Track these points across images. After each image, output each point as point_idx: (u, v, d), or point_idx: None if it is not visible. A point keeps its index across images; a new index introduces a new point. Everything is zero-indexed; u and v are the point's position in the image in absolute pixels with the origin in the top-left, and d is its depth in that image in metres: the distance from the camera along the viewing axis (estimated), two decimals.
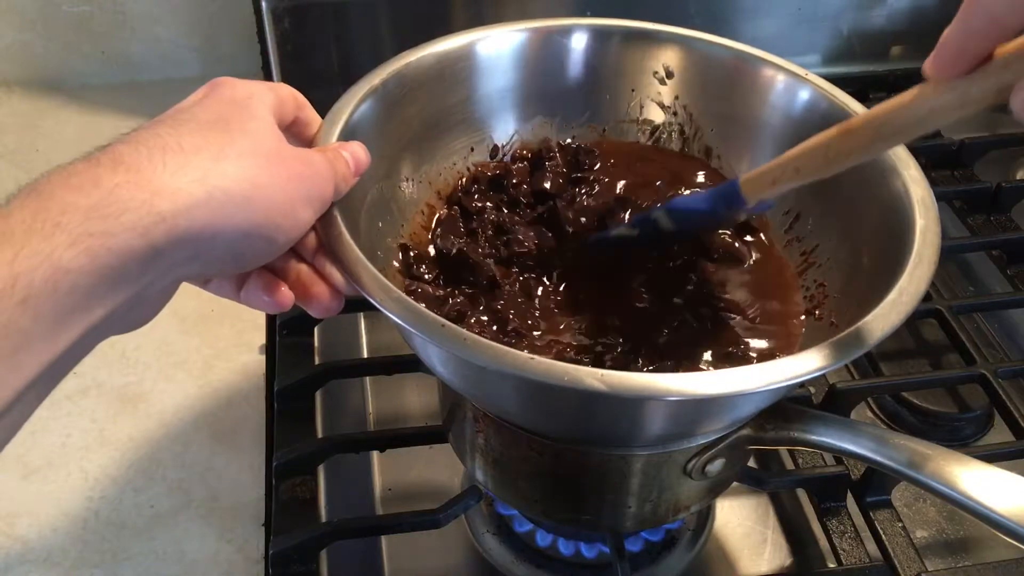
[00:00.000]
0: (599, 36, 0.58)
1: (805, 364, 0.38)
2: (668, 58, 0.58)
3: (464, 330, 0.38)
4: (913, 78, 0.36)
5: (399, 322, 0.38)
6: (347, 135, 0.47)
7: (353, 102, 0.49)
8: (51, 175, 0.31)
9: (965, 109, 0.34)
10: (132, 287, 0.32)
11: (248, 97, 0.39)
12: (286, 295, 0.42)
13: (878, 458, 0.44)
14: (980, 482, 0.41)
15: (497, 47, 0.56)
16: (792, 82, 0.54)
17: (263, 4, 0.81)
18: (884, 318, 0.40)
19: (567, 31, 0.58)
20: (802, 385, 0.62)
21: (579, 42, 0.58)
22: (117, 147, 0.33)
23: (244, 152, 0.36)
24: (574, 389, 0.36)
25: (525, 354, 0.37)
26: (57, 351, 0.30)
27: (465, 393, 0.48)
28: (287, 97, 0.44)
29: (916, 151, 0.49)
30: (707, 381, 0.37)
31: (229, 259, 0.38)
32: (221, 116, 0.37)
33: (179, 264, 0.34)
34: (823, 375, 0.62)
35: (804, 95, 0.54)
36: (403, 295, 0.39)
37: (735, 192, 0.47)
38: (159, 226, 0.31)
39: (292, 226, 0.39)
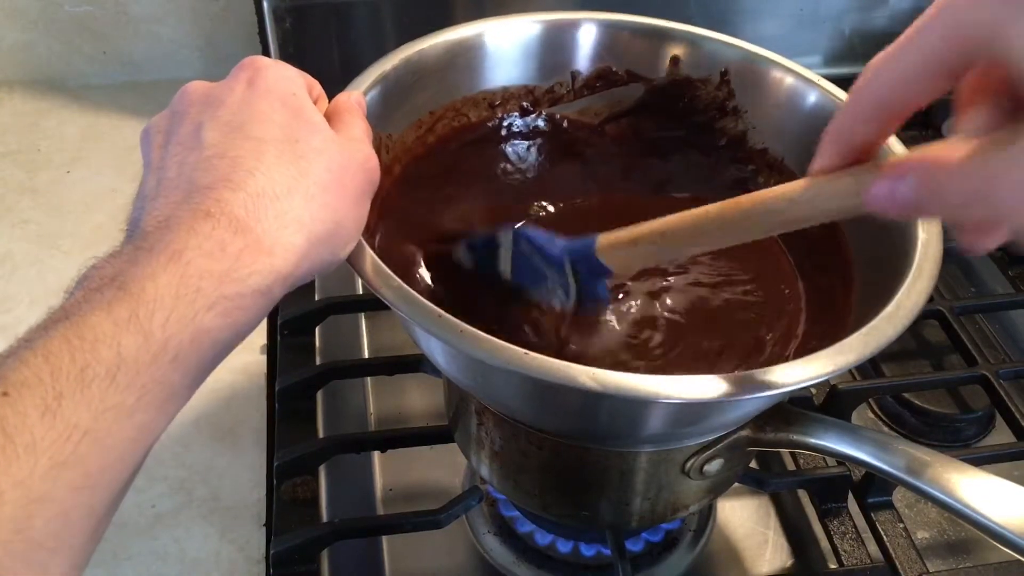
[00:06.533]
0: (608, 30, 0.58)
1: (797, 373, 0.37)
2: (676, 55, 0.58)
3: (460, 321, 0.38)
4: None
5: (399, 313, 0.39)
6: None
7: (363, 88, 0.50)
8: (178, 229, 0.34)
9: (857, 199, 0.33)
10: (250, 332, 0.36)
11: (292, 95, 0.41)
12: None
13: (878, 463, 0.44)
14: (979, 491, 0.41)
15: (507, 38, 0.56)
16: (800, 84, 0.54)
17: (265, 4, 0.81)
18: (880, 330, 0.39)
19: (576, 24, 0.58)
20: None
21: (587, 36, 0.58)
22: (223, 195, 0.35)
23: (323, 183, 0.38)
24: (566, 386, 0.36)
25: (520, 350, 0.37)
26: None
27: (464, 385, 0.48)
28: (312, 82, 0.45)
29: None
30: (700, 385, 0.37)
31: None
32: (288, 135, 0.39)
33: None
34: None
35: (811, 98, 0.54)
36: (403, 284, 0.39)
37: (590, 250, 0.43)
38: (278, 283, 0.36)
39: (355, 237, 0.41)
